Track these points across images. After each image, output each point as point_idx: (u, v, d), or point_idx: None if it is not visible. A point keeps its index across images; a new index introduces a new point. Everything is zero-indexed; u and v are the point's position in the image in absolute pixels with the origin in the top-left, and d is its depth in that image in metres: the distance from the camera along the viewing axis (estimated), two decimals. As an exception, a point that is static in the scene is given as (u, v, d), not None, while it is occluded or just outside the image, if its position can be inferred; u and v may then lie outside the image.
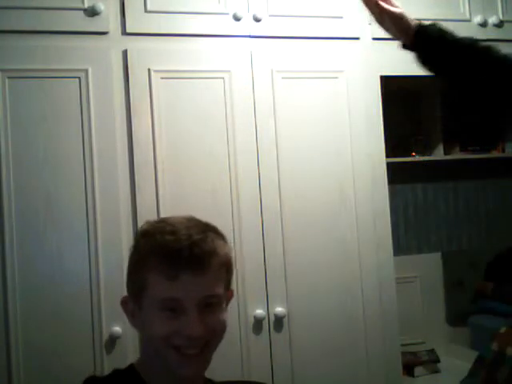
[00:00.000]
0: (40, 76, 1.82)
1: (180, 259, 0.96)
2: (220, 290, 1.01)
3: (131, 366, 1.06)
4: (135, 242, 1.05)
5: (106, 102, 1.86)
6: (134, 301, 1.03)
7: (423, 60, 1.45)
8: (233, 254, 1.07)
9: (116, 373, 1.05)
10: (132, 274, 1.04)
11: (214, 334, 1.00)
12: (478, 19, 2.24)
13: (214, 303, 1.00)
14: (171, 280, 0.96)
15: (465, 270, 2.72)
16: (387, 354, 2.04)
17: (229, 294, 1.08)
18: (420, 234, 2.76)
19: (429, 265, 2.72)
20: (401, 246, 2.69)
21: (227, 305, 1.07)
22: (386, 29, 1.47)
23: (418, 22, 1.44)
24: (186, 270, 0.96)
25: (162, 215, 1.85)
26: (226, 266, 1.04)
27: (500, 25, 2.27)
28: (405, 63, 2.16)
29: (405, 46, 1.46)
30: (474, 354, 2.03)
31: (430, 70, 1.47)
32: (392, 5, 1.45)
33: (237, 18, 1.99)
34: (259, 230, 1.94)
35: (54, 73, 1.83)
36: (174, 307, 0.97)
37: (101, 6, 1.86)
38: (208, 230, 1.02)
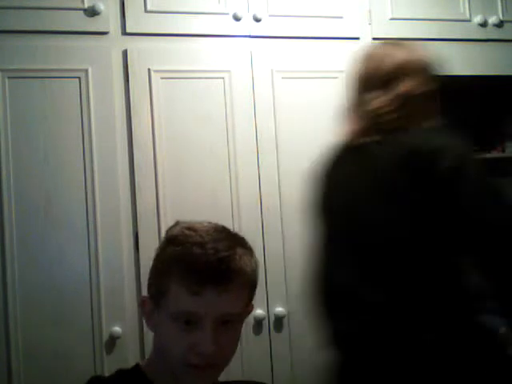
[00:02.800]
0: (40, 76, 1.82)
1: (205, 276, 0.94)
2: (240, 309, 0.99)
3: (136, 365, 1.05)
4: (162, 246, 1.02)
5: (106, 102, 1.86)
6: (153, 303, 1.02)
7: None
8: (258, 269, 1.05)
9: (120, 373, 1.05)
10: (155, 277, 1.02)
11: (226, 352, 0.99)
12: (477, 19, 2.24)
13: (232, 320, 0.98)
14: (193, 295, 0.94)
15: (465, 269, 2.72)
16: (387, 354, 2.04)
17: (249, 308, 1.06)
18: (420, 233, 2.75)
19: (429, 265, 2.71)
20: (401, 245, 2.68)
21: (245, 318, 1.05)
22: None
23: None
24: (209, 287, 0.94)
25: (162, 215, 1.85)
26: (250, 284, 1.02)
27: (500, 25, 2.27)
28: (405, 63, 2.17)
29: None
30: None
31: None
32: None
33: (237, 18, 1.99)
34: (259, 230, 1.94)
35: (54, 73, 1.83)
36: (190, 320, 0.95)
37: (101, 6, 1.86)
38: (236, 244, 1.00)
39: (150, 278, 1.03)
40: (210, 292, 0.94)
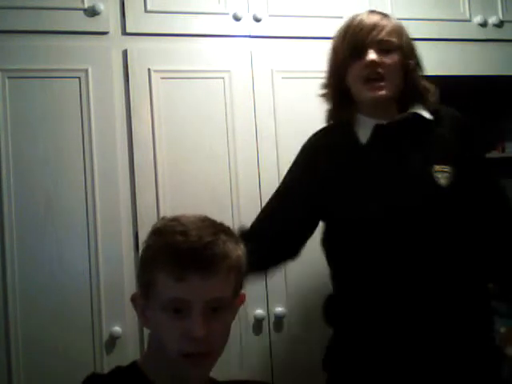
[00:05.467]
0: (40, 76, 1.82)
1: (189, 261, 0.96)
2: (228, 294, 1.00)
3: (134, 363, 1.06)
4: (147, 239, 1.04)
5: (106, 102, 1.86)
6: (144, 297, 1.03)
7: None
8: (245, 257, 1.06)
9: (118, 370, 1.05)
10: (142, 270, 1.04)
11: (218, 338, 1.00)
12: (478, 19, 2.24)
13: (220, 307, 0.99)
14: (179, 281, 0.96)
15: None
16: (387, 354, 2.04)
17: (240, 298, 1.07)
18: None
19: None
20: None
21: (238, 308, 1.07)
22: None
23: None
24: (194, 272, 0.96)
25: (162, 215, 1.85)
26: (237, 270, 1.03)
27: (500, 25, 2.27)
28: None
29: None
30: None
31: None
32: None
33: (237, 18, 1.99)
34: (259, 230, 1.93)
35: (54, 73, 1.83)
36: (180, 308, 0.97)
37: (101, 6, 1.86)
38: (220, 231, 1.02)
39: (138, 273, 1.05)
40: (196, 277, 0.96)
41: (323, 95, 1.51)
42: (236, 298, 1.05)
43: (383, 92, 1.38)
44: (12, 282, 1.75)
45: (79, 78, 1.85)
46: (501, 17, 2.28)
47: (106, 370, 1.72)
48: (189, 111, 1.93)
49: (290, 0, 2.06)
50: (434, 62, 2.19)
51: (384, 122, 1.41)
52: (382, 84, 1.38)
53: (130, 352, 1.79)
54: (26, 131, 1.80)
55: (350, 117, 1.46)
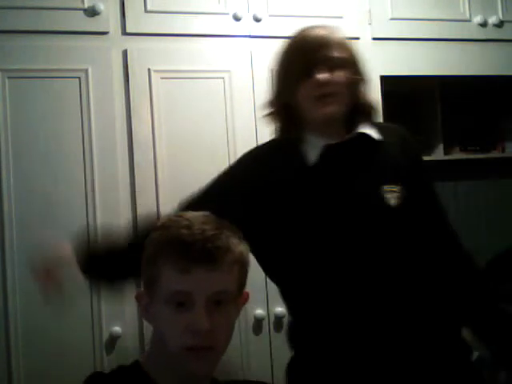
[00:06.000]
0: (40, 76, 1.82)
1: (192, 253, 0.97)
2: (231, 288, 1.01)
3: (136, 362, 1.06)
4: (152, 235, 1.05)
5: (106, 102, 1.86)
6: (148, 294, 1.03)
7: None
8: (248, 254, 1.07)
9: (120, 369, 1.06)
10: (146, 265, 1.04)
11: (221, 332, 1.00)
12: (477, 19, 2.24)
13: (224, 301, 1.00)
14: (183, 273, 0.97)
15: (465, 269, 2.71)
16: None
17: (244, 296, 1.08)
18: (420, 234, 2.75)
19: (429, 265, 2.71)
20: (401, 246, 2.68)
21: (241, 306, 1.08)
22: None
23: None
24: (197, 264, 0.97)
25: (162, 215, 1.85)
26: (240, 265, 1.03)
27: (500, 25, 2.27)
28: (405, 63, 2.17)
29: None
30: (473, 354, 2.02)
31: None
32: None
33: (237, 18, 1.99)
34: (259, 230, 1.94)
35: (54, 73, 1.83)
36: (183, 301, 0.97)
37: (101, 6, 1.86)
38: (223, 227, 1.03)
39: (142, 269, 1.05)
40: (199, 270, 0.97)
41: (268, 115, 1.40)
42: (240, 296, 1.05)
43: (334, 108, 1.32)
44: (12, 283, 1.75)
45: (79, 77, 1.85)
46: (501, 17, 2.28)
47: (107, 370, 1.73)
48: (189, 111, 1.93)
49: (290, 0, 2.06)
50: (434, 62, 2.21)
51: (333, 143, 1.34)
52: (333, 100, 1.31)
53: (130, 352, 1.79)
54: (27, 131, 1.80)
55: (298, 136, 1.37)
